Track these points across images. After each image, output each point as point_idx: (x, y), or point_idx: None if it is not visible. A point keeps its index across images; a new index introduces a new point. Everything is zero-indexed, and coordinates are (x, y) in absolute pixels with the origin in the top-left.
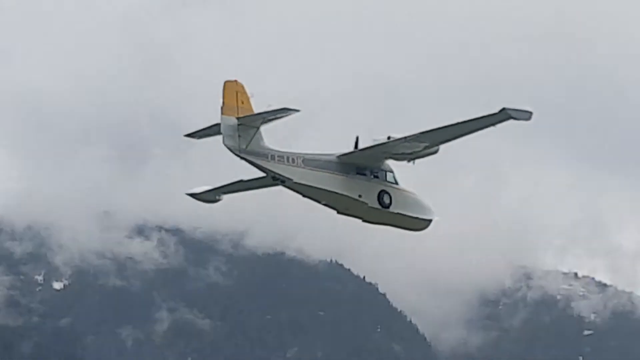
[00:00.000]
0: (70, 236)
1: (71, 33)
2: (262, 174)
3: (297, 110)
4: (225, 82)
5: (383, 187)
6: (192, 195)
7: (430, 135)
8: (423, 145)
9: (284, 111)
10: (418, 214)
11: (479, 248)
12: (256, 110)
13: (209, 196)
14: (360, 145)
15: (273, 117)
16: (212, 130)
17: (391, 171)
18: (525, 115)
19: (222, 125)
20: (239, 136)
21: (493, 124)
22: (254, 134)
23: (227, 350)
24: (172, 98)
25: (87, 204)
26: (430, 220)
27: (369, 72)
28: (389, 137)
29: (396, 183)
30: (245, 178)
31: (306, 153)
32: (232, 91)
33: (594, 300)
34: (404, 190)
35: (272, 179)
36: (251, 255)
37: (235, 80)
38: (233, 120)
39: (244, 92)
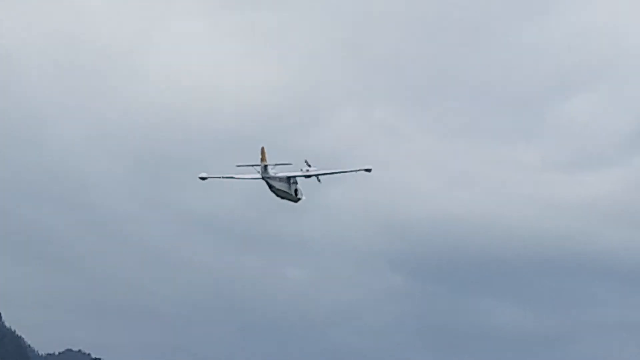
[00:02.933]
0: None
1: None
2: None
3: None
4: (262, 147)
5: (297, 187)
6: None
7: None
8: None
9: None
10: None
11: None
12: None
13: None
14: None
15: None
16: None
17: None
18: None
19: (261, 167)
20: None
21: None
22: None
23: None
24: None
25: None
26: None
27: None
28: (305, 161)
29: (297, 184)
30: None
31: (279, 176)
32: (264, 152)
33: None
34: (299, 187)
35: (269, 186)
36: None
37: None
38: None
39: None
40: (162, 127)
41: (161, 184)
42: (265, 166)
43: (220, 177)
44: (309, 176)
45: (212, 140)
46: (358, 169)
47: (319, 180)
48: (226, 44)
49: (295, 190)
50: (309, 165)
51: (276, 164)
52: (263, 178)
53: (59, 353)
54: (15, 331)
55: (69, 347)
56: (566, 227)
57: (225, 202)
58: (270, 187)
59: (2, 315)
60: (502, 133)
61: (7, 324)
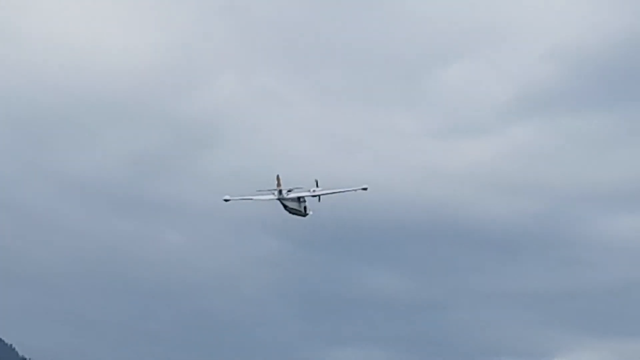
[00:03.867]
0: None
1: None
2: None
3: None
4: (277, 175)
5: (305, 204)
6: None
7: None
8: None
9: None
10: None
11: None
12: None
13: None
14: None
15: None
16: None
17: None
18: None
19: (277, 191)
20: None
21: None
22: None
23: None
24: None
25: None
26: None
27: None
28: (315, 180)
29: (305, 202)
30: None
31: (291, 197)
32: (279, 179)
33: None
34: (307, 204)
35: (283, 206)
36: None
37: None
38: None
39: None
40: (39, 88)
41: (37, 146)
42: (280, 190)
43: (241, 199)
44: (315, 196)
45: (90, 101)
46: (355, 188)
47: (319, 200)
48: (105, 3)
49: (305, 207)
50: (317, 185)
51: (289, 190)
52: (279, 199)
53: None
54: None
55: None
56: (443, 195)
57: (101, 164)
58: (285, 206)
59: None
60: (381, 100)
61: None
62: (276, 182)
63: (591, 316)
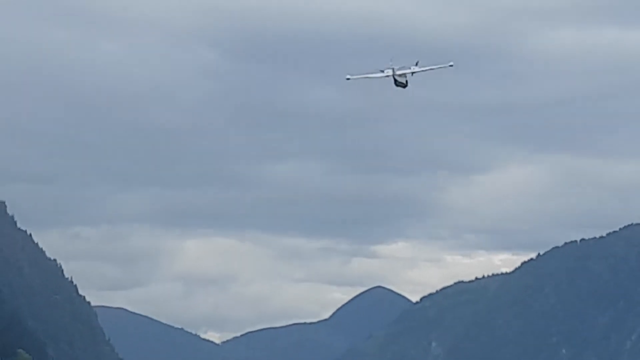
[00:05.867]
0: None
1: None
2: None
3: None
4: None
5: (406, 78)
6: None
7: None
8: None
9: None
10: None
11: None
12: None
13: None
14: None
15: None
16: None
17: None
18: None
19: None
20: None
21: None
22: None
23: None
24: None
25: None
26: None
27: None
28: (417, 62)
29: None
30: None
31: (399, 72)
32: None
33: None
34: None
35: (394, 80)
36: None
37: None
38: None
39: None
40: None
41: None
42: (394, 69)
43: (361, 77)
44: (413, 73)
45: None
46: (443, 65)
47: (412, 75)
48: None
49: (406, 81)
50: (416, 64)
51: (400, 67)
52: (392, 76)
53: None
54: None
55: None
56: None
57: None
58: (395, 80)
59: None
60: None
61: None
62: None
63: (526, 130)
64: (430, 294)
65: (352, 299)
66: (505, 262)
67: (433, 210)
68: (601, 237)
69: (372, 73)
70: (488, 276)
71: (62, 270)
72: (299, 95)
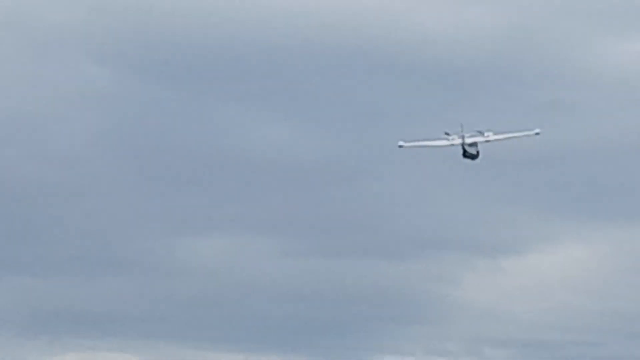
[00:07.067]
0: None
1: None
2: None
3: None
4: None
5: (477, 149)
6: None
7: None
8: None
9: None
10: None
11: None
12: None
13: None
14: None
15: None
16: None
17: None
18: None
19: (461, 136)
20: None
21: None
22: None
23: None
24: None
25: None
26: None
27: None
28: (489, 130)
29: (477, 146)
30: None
31: (469, 142)
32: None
33: None
34: (479, 148)
35: (463, 151)
36: None
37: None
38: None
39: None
40: None
41: None
42: (463, 136)
43: (418, 146)
44: (487, 141)
45: None
46: (528, 133)
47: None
48: None
49: (477, 152)
50: (485, 134)
51: (470, 135)
52: (461, 145)
53: None
54: None
55: None
56: None
57: None
58: (465, 151)
59: None
60: None
61: None
62: (461, 130)
63: (578, 189)
64: None
65: None
66: None
67: (438, 312)
68: None
69: (432, 140)
70: None
71: None
72: (234, 131)
